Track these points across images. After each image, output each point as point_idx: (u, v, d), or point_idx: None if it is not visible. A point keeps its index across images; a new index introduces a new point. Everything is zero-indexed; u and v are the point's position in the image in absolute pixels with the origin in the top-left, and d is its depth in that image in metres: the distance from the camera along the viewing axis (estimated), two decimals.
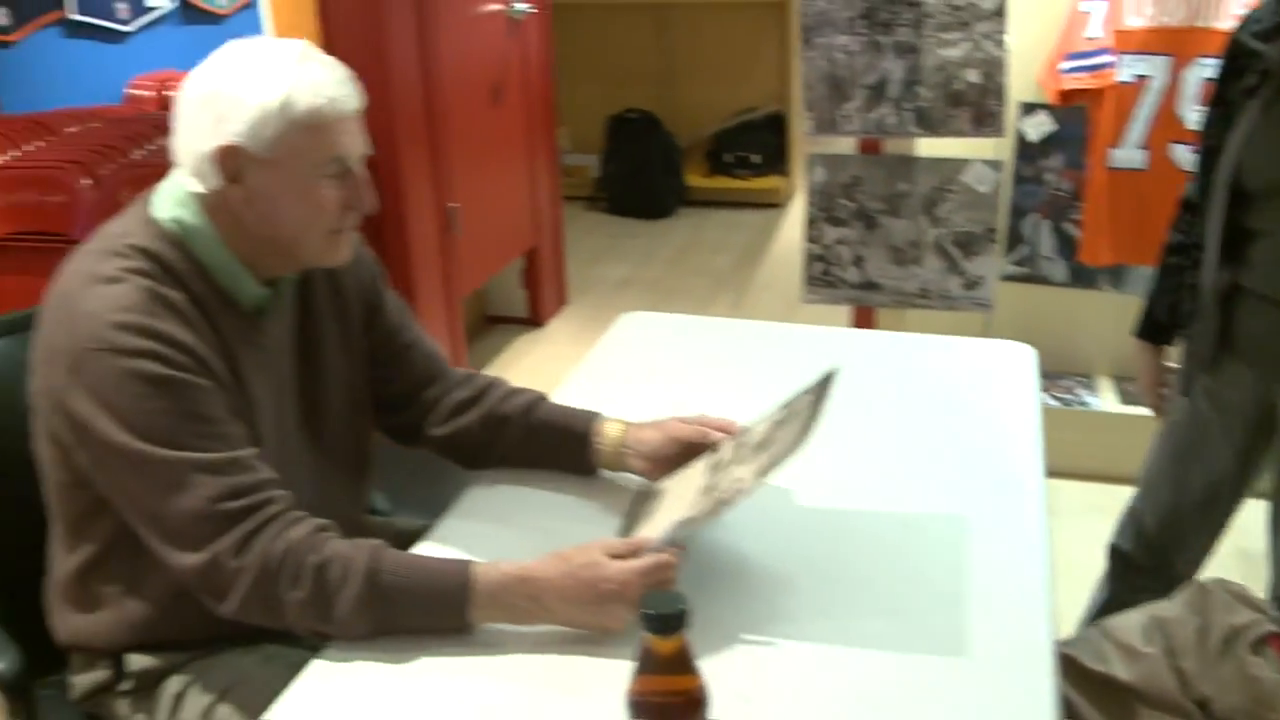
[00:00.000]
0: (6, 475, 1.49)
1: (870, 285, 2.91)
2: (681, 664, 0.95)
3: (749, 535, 1.39)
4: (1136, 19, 2.81)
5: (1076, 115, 2.95)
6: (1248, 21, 1.70)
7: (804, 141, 6.41)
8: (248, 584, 1.20)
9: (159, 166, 2.88)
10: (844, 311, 2.97)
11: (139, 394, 1.20)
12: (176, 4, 5.31)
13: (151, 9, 5.04)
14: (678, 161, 5.91)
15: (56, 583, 1.42)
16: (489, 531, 1.43)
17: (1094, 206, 2.99)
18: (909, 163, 2.82)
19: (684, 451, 1.45)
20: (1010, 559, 1.35)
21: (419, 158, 3.24)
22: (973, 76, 2.66)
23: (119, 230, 1.31)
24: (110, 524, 1.32)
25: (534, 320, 4.42)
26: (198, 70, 1.29)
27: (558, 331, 4.45)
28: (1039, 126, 2.94)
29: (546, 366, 4.02)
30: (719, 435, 1.44)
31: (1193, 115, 2.78)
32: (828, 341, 2.12)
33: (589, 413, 1.54)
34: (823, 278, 2.93)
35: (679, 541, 1.23)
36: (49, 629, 1.45)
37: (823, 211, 2.88)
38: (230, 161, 1.26)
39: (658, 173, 5.81)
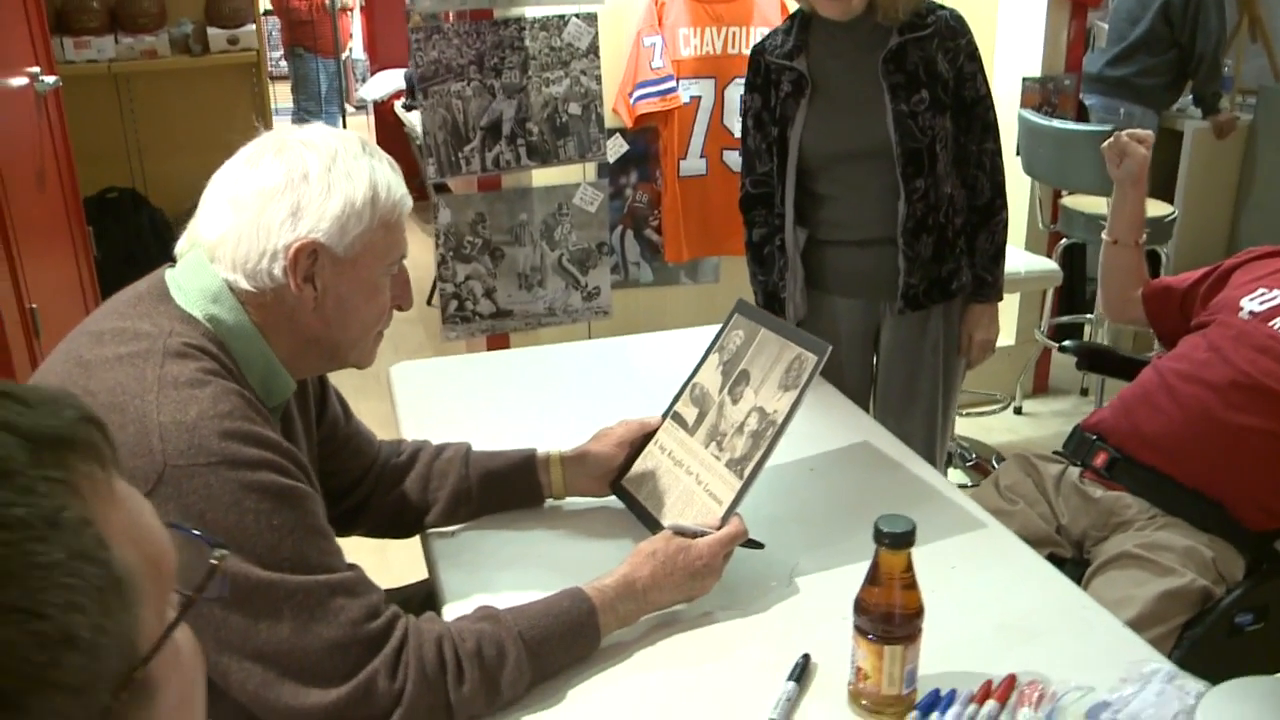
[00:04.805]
0: None
1: (503, 313, 3.10)
2: (907, 577, 1.10)
3: None
4: (686, 50, 3.29)
5: (645, 135, 3.37)
6: (767, 47, 2.15)
7: None
8: (411, 699, 1.11)
9: None
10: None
11: (262, 511, 1.06)
12: None
13: None
14: (171, 236, 5.59)
15: None
16: (495, 577, 1.42)
17: (671, 212, 3.43)
18: (526, 194, 3.06)
19: (633, 454, 1.56)
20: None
21: None
22: (574, 109, 2.96)
23: (154, 329, 1.14)
24: None
25: None
26: (254, 159, 1.16)
27: None
28: (616, 149, 3.30)
29: None
30: (656, 420, 1.57)
31: (737, 125, 3.31)
32: (582, 353, 2.32)
33: (524, 450, 1.56)
34: (459, 314, 3.08)
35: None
36: None
37: (451, 251, 3.03)
38: (307, 261, 1.15)
39: (154, 251, 5.48)
